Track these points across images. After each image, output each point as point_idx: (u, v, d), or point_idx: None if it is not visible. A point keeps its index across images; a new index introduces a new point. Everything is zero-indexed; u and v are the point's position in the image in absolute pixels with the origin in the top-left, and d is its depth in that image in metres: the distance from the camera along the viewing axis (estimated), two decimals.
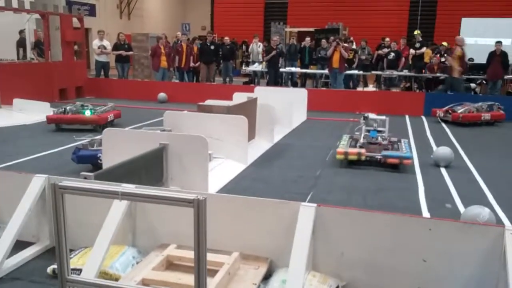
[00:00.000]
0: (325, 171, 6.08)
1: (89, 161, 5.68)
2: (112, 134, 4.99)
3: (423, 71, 13.79)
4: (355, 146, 6.41)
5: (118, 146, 4.79)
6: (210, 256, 2.78)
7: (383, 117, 6.91)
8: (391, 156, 6.07)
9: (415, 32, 15.21)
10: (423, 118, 10.64)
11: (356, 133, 6.93)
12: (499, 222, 4.27)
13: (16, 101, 9.99)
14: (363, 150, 6.18)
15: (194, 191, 3.09)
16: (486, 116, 9.74)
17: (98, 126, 8.15)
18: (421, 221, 2.93)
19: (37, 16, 13.30)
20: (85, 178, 3.37)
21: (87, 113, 8.32)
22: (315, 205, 3.02)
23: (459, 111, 9.70)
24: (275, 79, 14.45)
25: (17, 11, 12.13)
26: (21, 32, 15.32)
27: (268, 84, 14.30)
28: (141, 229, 3.40)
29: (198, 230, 1.98)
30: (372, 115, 6.97)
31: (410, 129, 9.27)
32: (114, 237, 3.04)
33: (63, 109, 8.37)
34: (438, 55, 13.92)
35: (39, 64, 12.59)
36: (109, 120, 8.46)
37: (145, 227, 3.39)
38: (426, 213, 4.57)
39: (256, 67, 15.83)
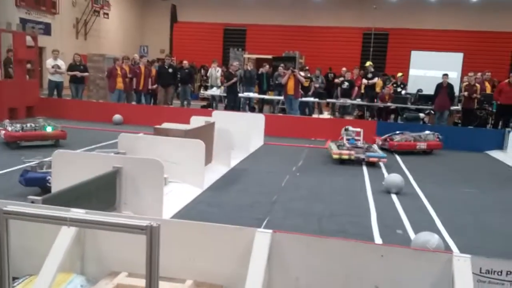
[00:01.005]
0: (281, 196, 6.11)
1: (37, 184, 5.46)
2: (62, 156, 4.82)
3: (375, 100, 14.30)
4: (343, 149, 8.57)
5: (69, 168, 4.63)
6: (163, 285, 2.71)
7: (358, 129, 9.28)
8: (372, 156, 8.37)
9: (367, 64, 15.84)
10: (375, 146, 10.94)
11: (339, 140, 9.10)
12: (447, 248, 4.42)
13: None
14: (353, 152, 8.41)
15: (147, 217, 3.02)
16: (422, 145, 10.03)
17: (58, 141, 8.33)
18: (373, 248, 2.98)
19: None
20: (33, 202, 3.23)
21: (49, 129, 8.29)
22: (270, 231, 3.02)
23: (396, 140, 10.04)
24: (234, 104, 14.53)
25: None
26: None
27: (226, 108, 14.36)
28: (91, 255, 3.27)
29: (151, 258, 1.93)
30: (351, 128, 9.41)
31: None
32: (61, 264, 2.90)
33: (21, 126, 8.28)
34: (390, 85, 14.49)
35: None
36: None
37: (94, 253, 3.26)
38: (378, 239, 4.67)
39: (215, 91, 15.88)
